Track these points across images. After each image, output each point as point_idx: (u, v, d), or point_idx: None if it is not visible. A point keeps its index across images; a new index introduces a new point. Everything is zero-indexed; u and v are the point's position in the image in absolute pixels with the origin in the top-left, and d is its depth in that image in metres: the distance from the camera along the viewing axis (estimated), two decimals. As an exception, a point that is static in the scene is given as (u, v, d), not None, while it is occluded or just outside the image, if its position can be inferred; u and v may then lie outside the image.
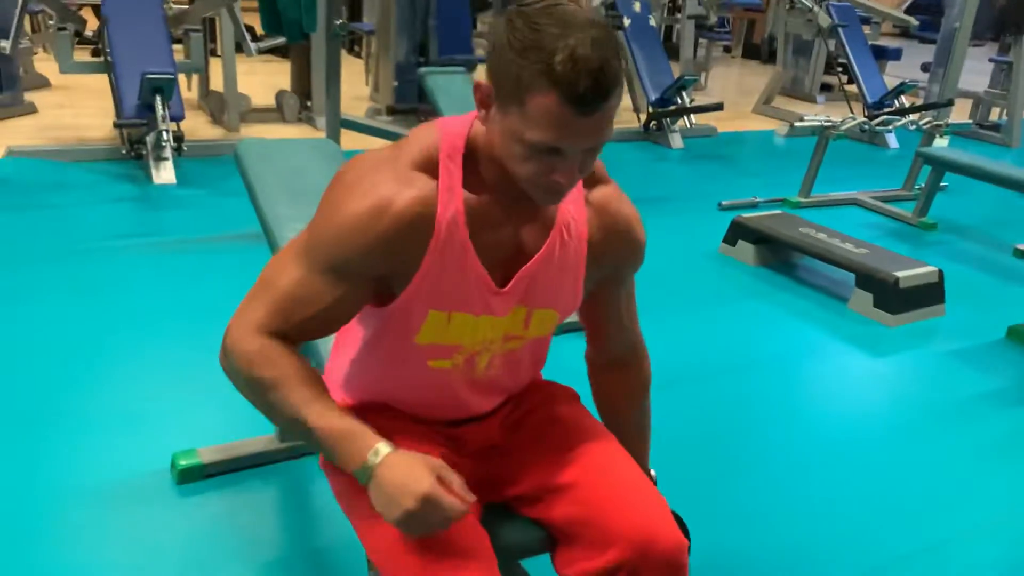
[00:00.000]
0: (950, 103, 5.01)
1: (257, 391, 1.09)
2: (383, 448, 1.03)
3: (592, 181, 1.18)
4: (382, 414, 1.22)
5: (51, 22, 5.60)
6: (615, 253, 1.20)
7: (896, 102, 6.39)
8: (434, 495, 0.99)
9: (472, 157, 1.09)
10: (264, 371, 1.07)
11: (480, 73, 6.09)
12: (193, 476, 1.98)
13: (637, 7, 6.24)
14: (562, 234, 1.14)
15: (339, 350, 1.30)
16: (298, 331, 1.09)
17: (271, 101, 5.69)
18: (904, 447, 2.40)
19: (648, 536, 1.13)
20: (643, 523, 1.14)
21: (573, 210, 1.15)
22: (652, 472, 1.39)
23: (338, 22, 3.22)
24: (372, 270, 1.08)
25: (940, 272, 3.28)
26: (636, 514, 1.15)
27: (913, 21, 7.17)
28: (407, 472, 1.01)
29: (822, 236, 3.55)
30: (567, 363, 1.51)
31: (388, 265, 1.07)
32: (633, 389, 1.39)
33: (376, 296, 1.12)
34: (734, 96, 7.74)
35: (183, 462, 1.98)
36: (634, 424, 1.39)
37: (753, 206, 4.46)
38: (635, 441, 1.36)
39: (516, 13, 0.98)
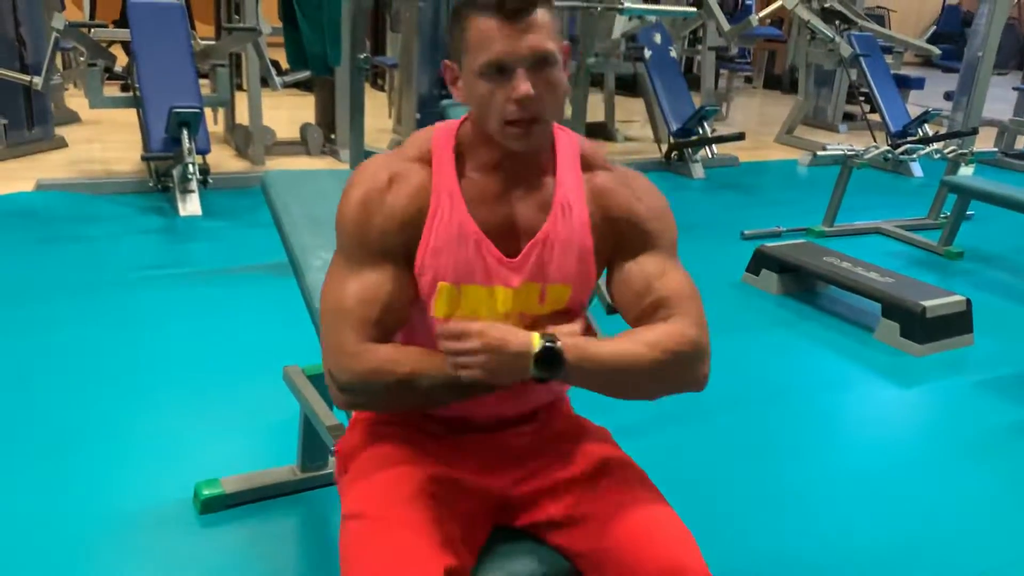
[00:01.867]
0: (975, 132, 4.98)
1: (405, 392, 1.14)
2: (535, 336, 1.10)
3: (589, 166, 1.24)
4: (404, 424, 1.26)
5: (82, 58, 5.74)
6: (618, 229, 1.22)
7: (920, 131, 6.36)
8: (502, 341, 1.09)
9: (464, 147, 1.20)
10: (397, 372, 1.13)
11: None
12: (216, 506, 1.98)
13: (658, 39, 6.28)
14: (562, 212, 1.19)
15: None
16: (383, 329, 1.16)
17: (295, 134, 5.76)
18: (933, 479, 2.36)
19: (675, 569, 1.11)
20: (670, 557, 1.12)
21: (571, 194, 1.20)
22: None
23: (362, 56, 3.27)
24: (394, 243, 1.16)
25: (968, 301, 3.24)
26: (663, 548, 1.13)
27: (935, 51, 7.15)
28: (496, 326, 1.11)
29: (847, 265, 3.52)
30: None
31: (401, 237, 1.16)
32: (654, 330, 1.18)
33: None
34: (755, 126, 7.75)
35: (206, 491, 1.98)
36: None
37: (776, 235, 4.44)
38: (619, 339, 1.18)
39: None
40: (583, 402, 1.41)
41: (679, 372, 1.18)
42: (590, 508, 1.19)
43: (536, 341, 1.09)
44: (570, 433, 1.31)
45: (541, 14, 1.10)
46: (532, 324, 1.18)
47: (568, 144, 1.24)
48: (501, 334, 1.08)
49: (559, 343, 1.09)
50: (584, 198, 1.21)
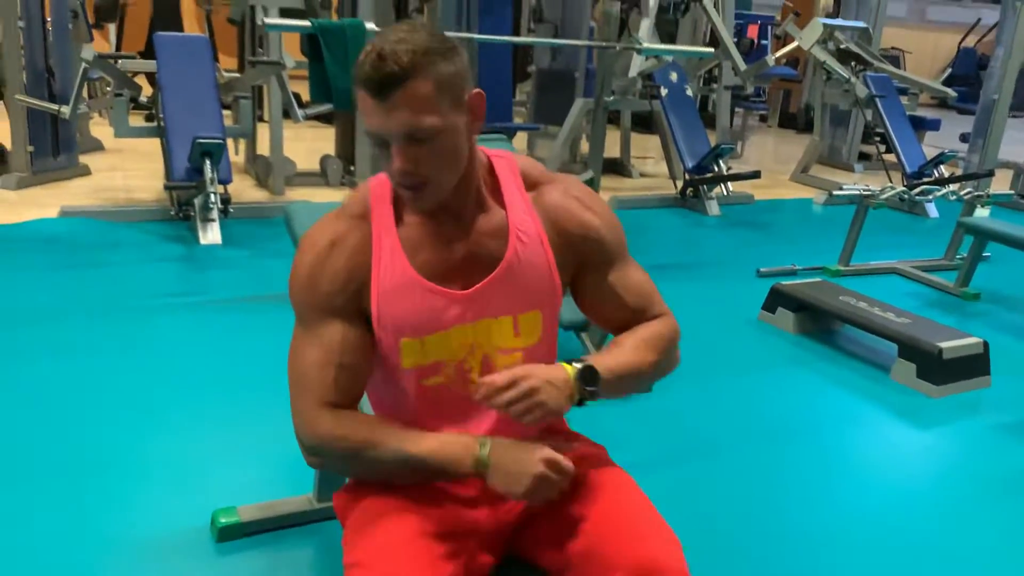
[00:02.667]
0: (991, 173, 5.00)
1: (355, 459, 1.19)
2: (485, 446, 1.16)
3: (532, 184, 1.26)
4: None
5: (108, 89, 5.85)
6: (576, 245, 1.25)
7: (935, 172, 6.38)
8: (553, 457, 1.15)
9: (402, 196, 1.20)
10: (348, 440, 1.17)
11: (519, 140, 6.15)
12: (233, 534, 1.98)
13: (674, 77, 6.35)
14: (518, 236, 1.21)
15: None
16: (341, 393, 1.18)
17: (315, 166, 5.83)
18: (950, 522, 2.34)
19: (650, 563, 1.12)
20: (646, 551, 1.14)
21: (524, 217, 1.22)
22: None
23: (384, 90, 3.32)
24: (343, 302, 1.19)
25: (985, 343, 3.23)
26: (639, 543, 1.16)
27: (951, 92, 7.19)
28: (521, 450, 1.16)
29: (863, 305, 3.52)
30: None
31: (349, 296, 1.19)
32: (625, 334, 1.31)
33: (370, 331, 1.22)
34: (770, 164, 7.78)
35: (223, 519, 1.99)
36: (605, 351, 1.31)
37: (792, 273, 4.45)
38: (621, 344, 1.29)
39: None
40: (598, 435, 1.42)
41: (672, 360, 1.32)
42: (576, 509, 1.22)
43: (568, 367, 1.17)
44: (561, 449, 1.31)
45: (414, 87, 1.06)
46: (508, 356, 1.23)
47: (506, 168, 1.25)
48: (543, 370, 1.15)
49: (589, 361, 1.18)
50: (537, 218, 1.23)
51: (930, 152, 6.79)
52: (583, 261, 1.27)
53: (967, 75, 13.08)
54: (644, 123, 8.50)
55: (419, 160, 1.09)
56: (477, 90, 1.15)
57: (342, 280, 1.18)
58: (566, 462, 1.15)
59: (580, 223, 1.25)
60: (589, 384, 1.17)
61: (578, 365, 1.17)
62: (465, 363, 1.22)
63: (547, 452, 1.15)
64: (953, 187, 4.88)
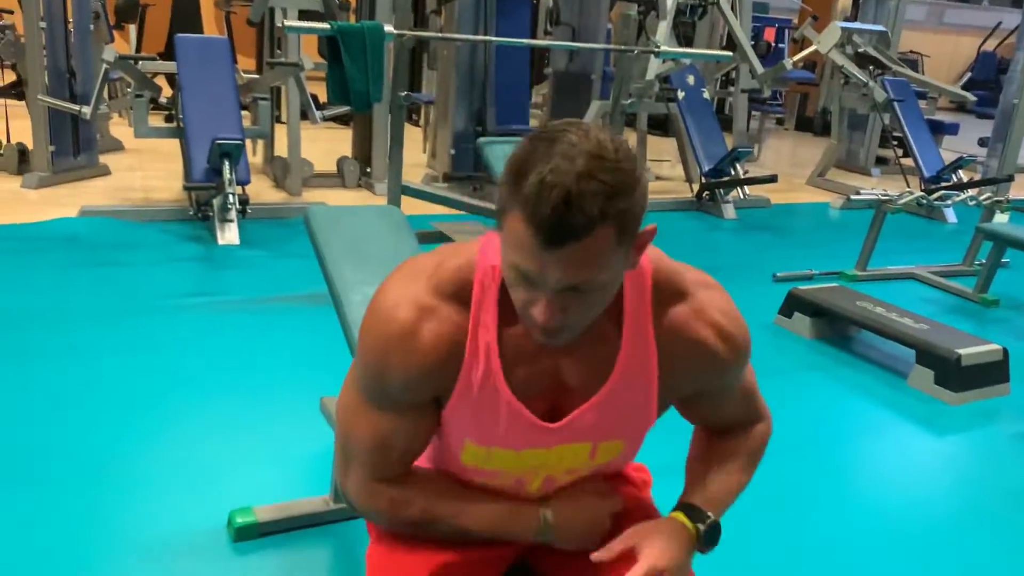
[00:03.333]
0: (1010, 178, 4.95)
1: (406, 528, 1.15)
2: (547, 512, 1.12)
3: (666, 299, 1.05)
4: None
5: (128, 89, 5.89)
6: (694, 376, 1.10)
7: (954, 177, 6.34)
8: (617, 508, 1.15)
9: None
10: (408, 514, 1.12)
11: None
12: (249, 534, 2.00)
13: (691, 80, 6.34)
14: (624, 376, 1.04)
15: None
16: (400, 466, 1.12)
17: (332, 167, 5.86)
18: (969, 530, 2.32)
19: None
20: None
21: (638, 344, 1.04)
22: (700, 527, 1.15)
23: (402, 94, 3.33)
24: (418, 396, 1.05)
25: (1004, 350, 3.21)
26: None
27: (970, 97, 7.14)
28: (587, 512, 1.13)
29: (880, 310, 3.50)
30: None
31: (425, 387, 1.04)
32: (724, 450, 1.22)
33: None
34: (787, 168, 7.75)
35: (240, 520, 2.00)
36: (705, 471, 1.21)
37: (808, 278, 4.43)
38: (695, 483, 1.20)
39: (532, 133, 0.92)
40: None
41: (759, 461, 1.26)
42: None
43: (690, 527, 1.12)
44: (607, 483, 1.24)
45: (594, 240, 0.86)
46: (575, 474, 1.16)
47: (637, 285, 1.04)
48: (670, 555, 1.07)
49: (711, 515, 1.13)
50: (653, 344, 1.05)
51: (948, 157, 6.74)
52: (697, 390, 1.14)
53: (987, 79, 12.97)
54: (660, 126, 8.49)
55: (568, 310, 0.92)
56: (651, 227, 0.95)
57: (418, 379, 1.02)
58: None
59: (705, 358, 1.07)
60: (711, 543, 1.13)
61: (702, 527, 1.12)
62: (526, 477, 1.13)
63: (613, 507, 1.15)
64: (972, 192, 4.84)
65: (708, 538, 1.12)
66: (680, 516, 1.12)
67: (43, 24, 4.91)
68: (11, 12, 5.41)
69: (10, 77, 5.65)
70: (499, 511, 1.12)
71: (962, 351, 3.11)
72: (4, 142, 5.36)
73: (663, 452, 1.43)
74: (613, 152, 0.87)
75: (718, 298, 1.10)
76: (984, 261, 4.44)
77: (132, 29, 7.53)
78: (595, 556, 1.08)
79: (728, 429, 1.23)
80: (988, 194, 4.75)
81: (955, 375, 3.09)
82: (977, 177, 6.69)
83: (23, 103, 5.26)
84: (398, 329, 1.00)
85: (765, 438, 1.25)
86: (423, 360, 1.00)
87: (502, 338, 1.02)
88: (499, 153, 3.80)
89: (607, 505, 1.15)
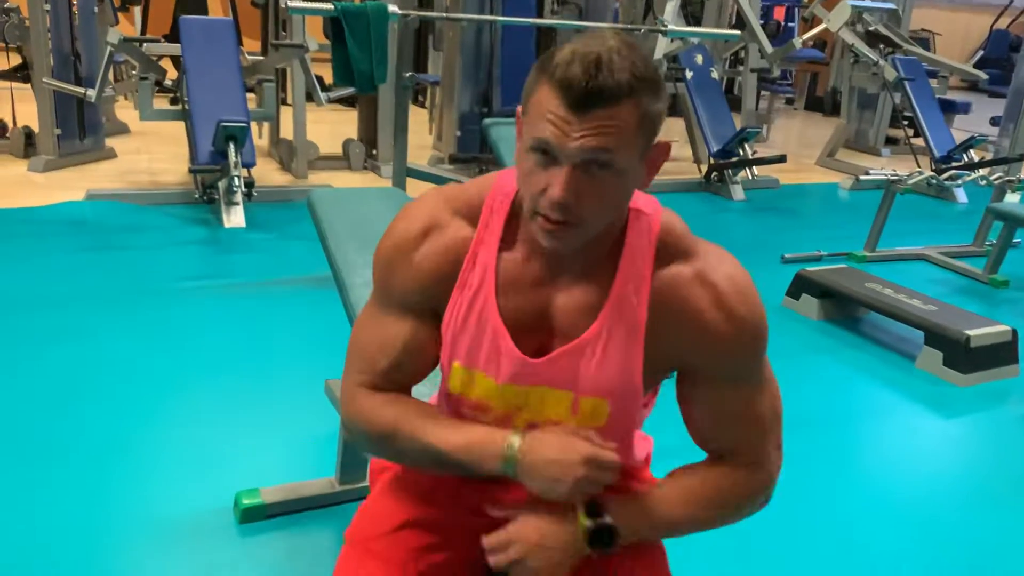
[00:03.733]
0: (1022, 158, 4.91)
1: (381, 444, 1.11)
2: (514, 439, 1.02)
3: (670, 256, 1.03)
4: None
5: (133, 72, 5.88)
6: (688, 349, 1.04)
7: (965, 156, 6.28)
8: (594, 454, 0.99)
9: (519, 216, 1.03)
10: (373, 424, 1.10)
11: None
12: (255, 516, 2.01)
13: (699, 60, 6.28)
14: (611, 318, 1.01)
15: None
16: (386, 381, 1.11)
17: (338, 149, 5.84)
18: (976, 512, 2.32)
19: None
20: None
21: (631, 298, 1.01)
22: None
23: (407, 75, 3.32)
24: (416, 301, 1.08)
25: (1014, 331, 3.19)
26: None
27: (982, 75, 7.06)
28: (557, 446, 1.01)
29: (889, 292, 3.48)
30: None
31: (424, 296, 1.07)
32: (701, 474, 1.12)
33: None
34: (796, 148, 7.70)
35: (246, 501, 2.01)
36: (667, 482, 1.12)
37: (817, 259, 4.40)
38: (645, 487, 1.13)
39: None
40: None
41: (741, 516, 1.13)
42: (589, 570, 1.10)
43: (582, 521, 1.02)
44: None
45: (622, 110, 0.89)
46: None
47: (643, 231, 1.03)
48: (539, 534, 1.02)
49: (609, 518, 1.02)
50: (646, 303, 1.02)
51: (959, 136, 6.68)
52: (694, 369, 1.06)
53: (999, 57, 12.83)
54: (668, 106, 8.43)
55: (582, 194, 0.92)
56: (666, 141, 0.99)
57: (420, 282, 1.06)
58: (608, 455, 1.00)
59: (697, 328, 1.02)
60: (601, 545, 1.02)
61: (589, 524, 1.01)
62: (510, 416, 1.08)
63: (588, 450, 0.99)
64: (983, 172, 4.80)
65: (596, 536, 1.02)
66: (580, 514, 1.04)
67: (47, 6, 4.89)
68: (16, -6, 5.39)
69: (15, 60, 5.65)
70: (469, 431, 1.06)
71: (971, 332, 3.09)
72: (10, 126, 5.36)
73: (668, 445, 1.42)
74: (641, 49, 0.92)
75: (729, 266, 1.05)
76: (995, 242, 4.41)
77: (137, 11, 7.52)
78: (487, 546, 1.04)
79: (723, 454, 1.11)
80: (999, 174, 4.71)
81: (964, 356, 3.07)
82: (989, 157, 6.63)
83: (29, 86, 5.26)
84: (408, 237, 1.06)
85: (757, 492, 1.11)
86: (426, 265, 1.05)
87: (500, 261, 1.04)
88: (505, 134, 3.77)
89: (583, 449, 0.99)
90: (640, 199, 1.04)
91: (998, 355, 3.16)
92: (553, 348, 1.05)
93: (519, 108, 0.98)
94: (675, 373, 1.11)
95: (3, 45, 5.36)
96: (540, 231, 0.96)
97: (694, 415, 1.11)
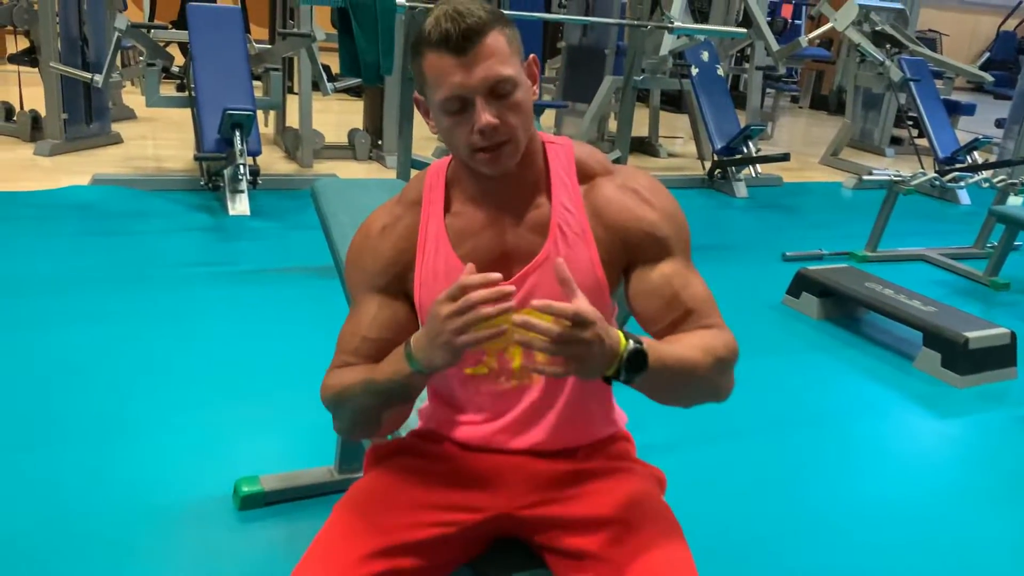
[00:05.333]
0: (1026, 161, 4.91)
1: (340, 406, 1.22)
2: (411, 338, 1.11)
3: (587, 175, 1.20)
4: (439, 444, 1.28)
5: (141, 58, 5.89)
6: (626, 239, 1.17)
7: (968, 158, 6.28)
8: (443, 304, 1.02)
9: (452, 183, 1.22)
10: (332, 388, 1.20)
11: (547, 117, 6.08)
12: (255, 503, 2.02)
13: (705, 57, 6.28)
14: (559, 230, 1.17)
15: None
16: (356, 355, 1.22)
17: (343, 139, 5.85)
18: (971, 513, 2.33)
19: None
20: None
21: (569, 208, 1.17)
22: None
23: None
24: (383, 283, 1.21)
25: (1013, 334, 3.20)
26: None
27: (988, 77, 7.05)
28: (427, 323, 1.07)
29: (889, 292, 3.49)
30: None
31: (390, 278, 1.21)
32: (684, 336, 1.15)
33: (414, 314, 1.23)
34: (800, 147, 7.69)
35: (245, 489, 2.03)
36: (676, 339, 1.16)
37: (818, 258, 4.41)
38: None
39: None
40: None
41: (720, 380, 1.15)
42: (605, 551, 1.14)
43: (623, 341, 1.02)
44: (612, 471, 1.25)
45: (492, 39, 1.08)
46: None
47: (561, 156, 1.21)
48: (605, 329, 0.99)
49: (645, 344, 1.04)
50: (584, 212, 1.18)
51: (964, 137, 6.68)
52: (633, 255, 1.18)
53: (1005, 59, 12.79)
54: (673, 102, 8.43)
55: (501, 115, 1.08)
56: (532, 55, 1.16)
57: (384, 262, 1.21)
58: (458, 288, 1.01)
59: (632, 216, 1.17)
60: (633, 370, 1.02)
61: (632, 345, 1.02)
62: (507, 352, 1.19)
63: (444, 308, 1.01)
64: (986, 174, 4.80)
65: (632, 359, 1.02)
66: (620, 332, 1.04)
67: (56, -9, 4.90)
68: (24, -22, 5.40)
69: (23, 44, 5.66)
70: (388, 360, 1.15)
71: (970, 334, 3.10)
72: (17, 109, 5.37)
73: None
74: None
75: (644, 177, 1.22)
76: (996, 244, 4.41)
77: (145, -3, 7.51)
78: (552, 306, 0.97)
79: (688, 323, 1.16)
80: (1003, 176, 4.71)
81: (962, 358, 3.09)
82: (993, 158, 6.63)
83: (36, 70, 5.27)
84: (368, 235, 1.24)
85: (724, 341, 1.15)
86: (386, 250, 1.21)
87: (449, 219, 1.20)
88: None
89: (441, 310, 1.02)
90: (553, 138, 1.23)
91: (997, 357, 3.17)
92: (516, 274, 1.17)
93: (415, 97, 1.18)
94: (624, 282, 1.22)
95: (12, 29, 5.38)
96: (483, 163, 1.12)
97: (643, 298, 1.19)
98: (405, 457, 1.27)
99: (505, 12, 4.65)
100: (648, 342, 1.06)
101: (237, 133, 4.22)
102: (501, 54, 1.08)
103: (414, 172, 3.59)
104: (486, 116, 1.07)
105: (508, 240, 1.18)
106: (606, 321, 1.02)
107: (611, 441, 1.30)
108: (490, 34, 1.07)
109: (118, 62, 5.50)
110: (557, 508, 1.21)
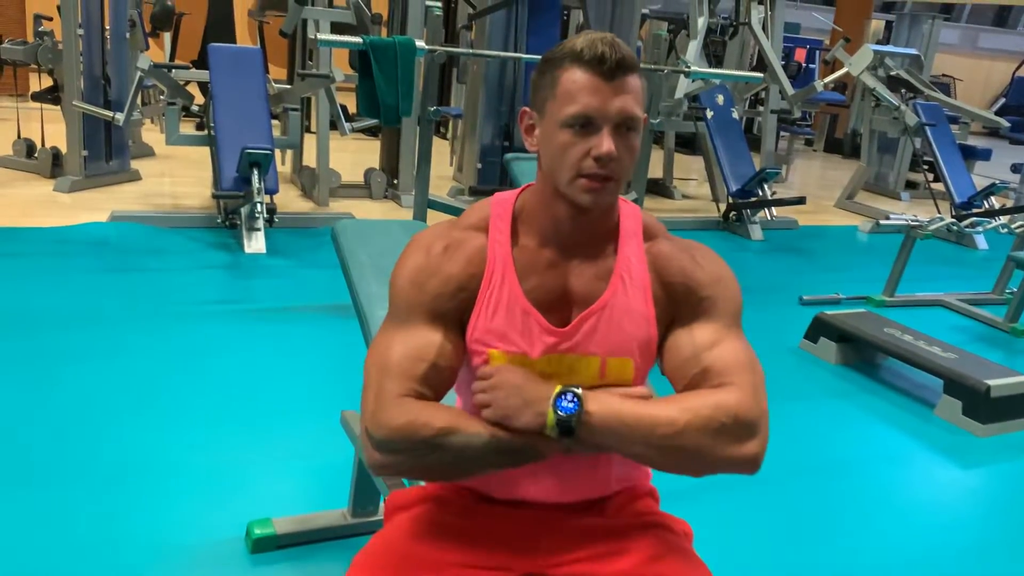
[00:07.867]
0: (1044, 207, 4.89)
1: (439, 451, 1.09)
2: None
3: (651, 236, 1.23)
4: (449, 498, 1.25)
5: (161, 97, 5.97)
6: (674, 296, 1.20)
7: (985, 203, 6.26)
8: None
9: (521, 216, 1.21)
10: (433, 425, 1.08)
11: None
12: (267, 546, 2.00)
13: (720, 100, 6.32)
14: (622, 280, 1.18)
15: None
16: (427, 386, 1.13)
17: (360, 178, 5.89)
18: (993, 564, 2.28)
19: None
20: None
21: (633, 264, 1.19)
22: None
23: (432, 108, 3.35)
24: (448, 307, 1.16)
25: (1034, 382, 3.15)
26: None
27: (1003, 123, 7.05)
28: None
29: (908, 338, 3.45)
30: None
31: (455, 301, 1.17)
32: (697, 397, 1.13)
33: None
34: (815, 190, 7.70)
35: (258, 531, 2.00)
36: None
37: (836, 303, 4.38)
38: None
39: None
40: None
41: (716, 444, 1.10)
42: None
43: (557, 388, 1.09)
44: (641, 526, 1.24)
45: (635, 79, 1.11)
46: None
47: (631, 215, 1.23)
48: (521, 375, 1.11)
49: (581, 390, 1.08)
50: (646, 267, 1.20)
51: (980, 182, 6.67)
52: (677, 311, 1.20)
53: (1021, 105, 12.83)
54: (688, 144, 8.47)
55: (619, 150, 1.10)
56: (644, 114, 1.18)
57: (453, 286, 1.17)
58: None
59: (682, 273, 1.20)
60: (566, 417, 1.06)
61: (570, 392, 1.08)
62: None
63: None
64: (1004, 219, 4.78)
65: (563, 393, 1.08)
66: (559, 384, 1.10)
67: (81, 31, 4.99)
68: (50, 19, 5.50)
69: (47, 82, 5.75)
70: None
71: (991, 382, 3.06)
72: (38, 146, 5.44)
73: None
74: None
75: (700, 246, 1.26)
76: (1015, 290, 4.37)
77: (167, 37, 7.64)
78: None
79: (705, 382, 1.15)
80: (1021, 222, 4.68)
81: (984, 406, 3.04)
82: (1010, 203, 6.61)
83: (58, 108, 5.34)
84: (432, 254, 1.18)
85: (727, 407, 1.11)
86: (455, 272, 1.17)
87: (516, 253, 1.19)
88: (525, 169, 3.80)
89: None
90: (624, 200, 1.24)
91: (1019, 406, 3.12)
92: (574, 318, 1.18)
93: (523, 110, 1.18)
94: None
95: (36, 67, 5.46)
96: (582, 191, 1.12)
97: (673, 357, 1.18)
98: (426, 506, 1.25)
99: (524, 56, 4.64)
100: (601, 393, 1.10)
101: (255, 172, 4.25)
102: (637, 95, 1.12)
103: (430, 212, 3.60)
104: (608, 144, 1.09)
105: (571, 282, 1.18)
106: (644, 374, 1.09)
107: (637, 496, 1.28)
108: (635, 74, 1.11)
109: (138, 100, 5.57)
110: (588, 566, 1.18)
